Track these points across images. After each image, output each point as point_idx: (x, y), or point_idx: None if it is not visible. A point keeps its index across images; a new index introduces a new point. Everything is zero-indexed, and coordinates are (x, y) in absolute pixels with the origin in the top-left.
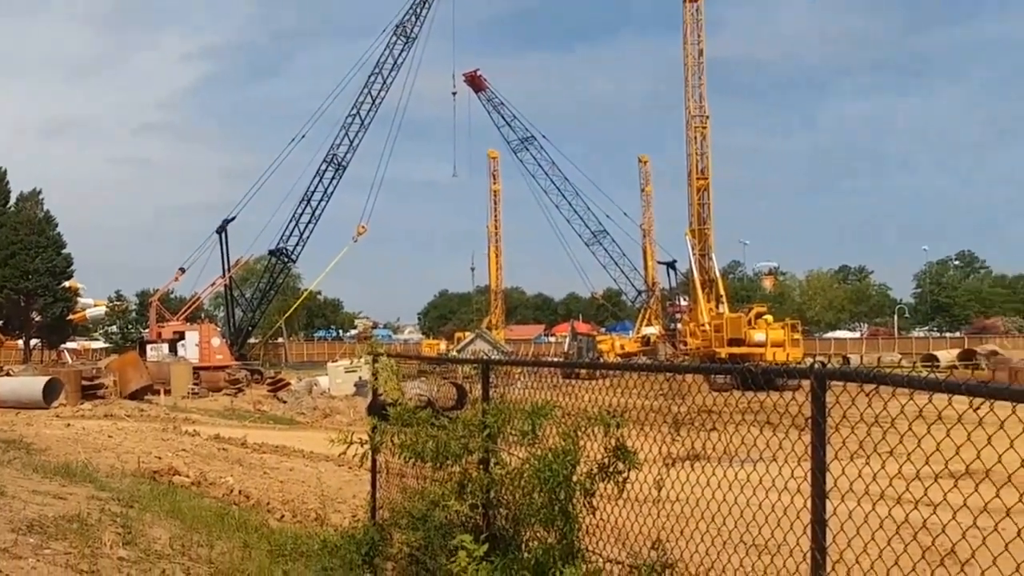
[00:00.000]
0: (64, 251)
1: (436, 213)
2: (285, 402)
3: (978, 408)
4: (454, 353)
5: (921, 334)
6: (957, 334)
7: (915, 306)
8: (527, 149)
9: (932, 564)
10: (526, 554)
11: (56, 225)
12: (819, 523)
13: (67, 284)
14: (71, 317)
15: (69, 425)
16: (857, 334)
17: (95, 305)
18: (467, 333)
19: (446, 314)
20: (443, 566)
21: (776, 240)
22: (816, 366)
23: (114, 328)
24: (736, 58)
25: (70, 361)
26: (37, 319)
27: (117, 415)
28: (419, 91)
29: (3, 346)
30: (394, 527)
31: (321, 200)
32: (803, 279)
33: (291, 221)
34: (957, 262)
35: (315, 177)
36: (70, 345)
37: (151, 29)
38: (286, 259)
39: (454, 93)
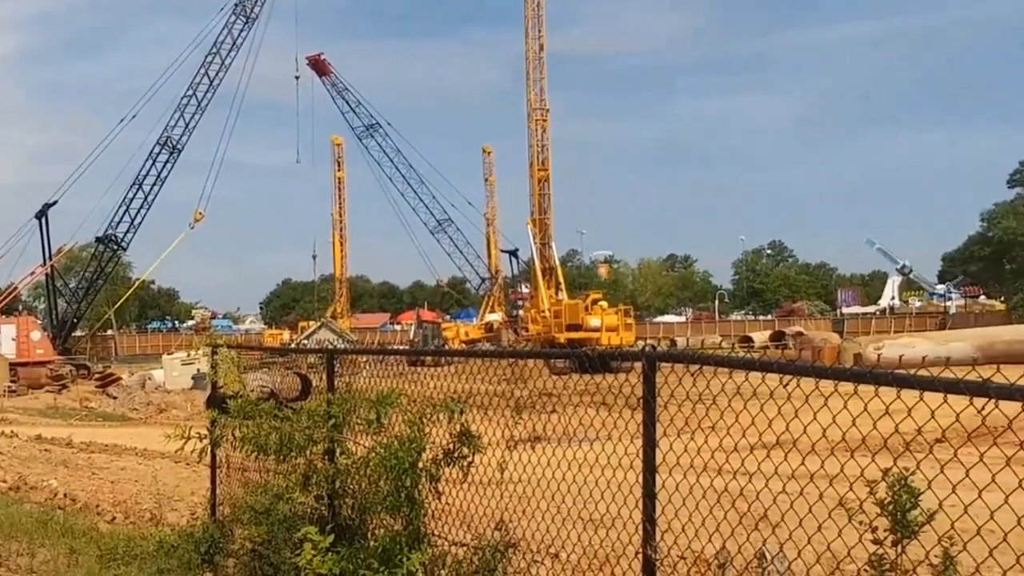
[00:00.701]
0: None
1: (279, 200)
2: (115, 398)
3: (787, 384)
4: (300, 343)
5: (738, 317)
6: (768, 317)
7: (733, 292)
8: (372, 136)
9: (748, 528)
10: (372, 542)
11: None
12: (649, 496)
13: None
14: None
15: None
16: (683, 318)
17: None
18: (311, 322)
19: (289, 303)
20: (287, 559)
21: (611, 230)
22: (647, 349)
23: None
24: (579, 52)
25: None
26: None
27: None
28: (262, 73)
29: None
30: (236, 523)
31: (154, 184)
32: (635, 267)
33: (121, 206)
34: (769, 251)
35: (147, 160)
36: None
37: None
38: (115, 246)
39: (296, 77)
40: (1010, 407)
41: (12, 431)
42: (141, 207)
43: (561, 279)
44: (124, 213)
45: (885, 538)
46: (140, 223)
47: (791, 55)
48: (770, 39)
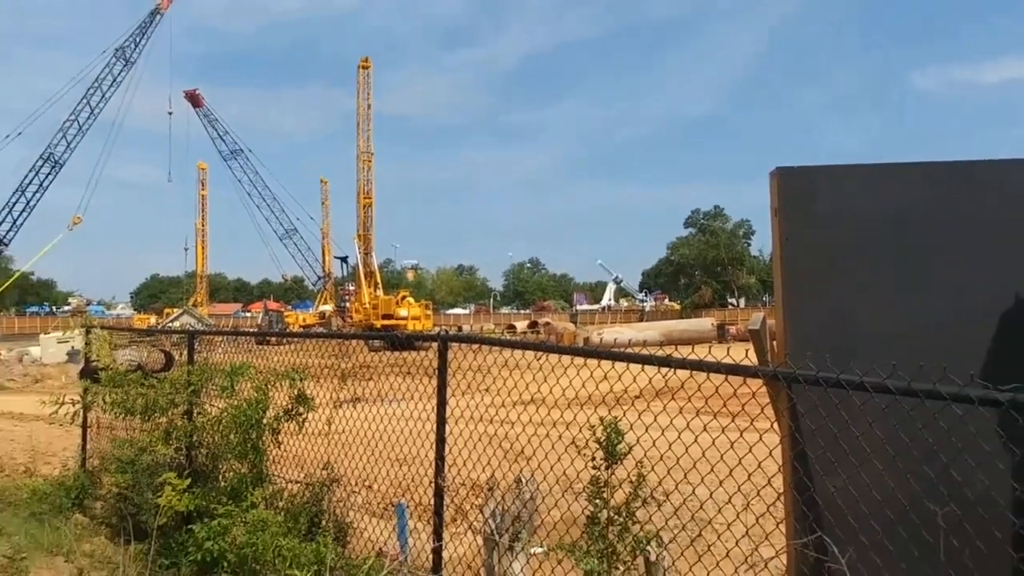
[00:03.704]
0: None
1: (154, 208)
2: None
3: (540, 359)
4: (164, 326)
5: (506, 311)
6: (527, 311)
7: (503, 292)
8: (236, 159)
9: (510, 461)
10: (223, 483)
11: None
12: (440, 440)
13: None
14: None
15: None
16: (467, 311)
17: None
18: (175, 309)
19: (156, 293)
20: (149, 500)
21: (417, 244)
22: (441, 333)
23: None
24: (396, 112)
25: None
26: None
27: None
28: (143, 103)
29: None
30: (104, 472)
31: (36, 192)
32: (434, 273)
33: (4, 209)
34: (529, 264)
35: (31, 171)
36: None
37: None
38: None
39: (170, 113)
40: (683, 373)
41: None
42: (24, 211)
43: (378, 280)
44: (7, 215)
45: (600, 465)
46: (22, 224)
47: (550, 124)
48: (536, 113)
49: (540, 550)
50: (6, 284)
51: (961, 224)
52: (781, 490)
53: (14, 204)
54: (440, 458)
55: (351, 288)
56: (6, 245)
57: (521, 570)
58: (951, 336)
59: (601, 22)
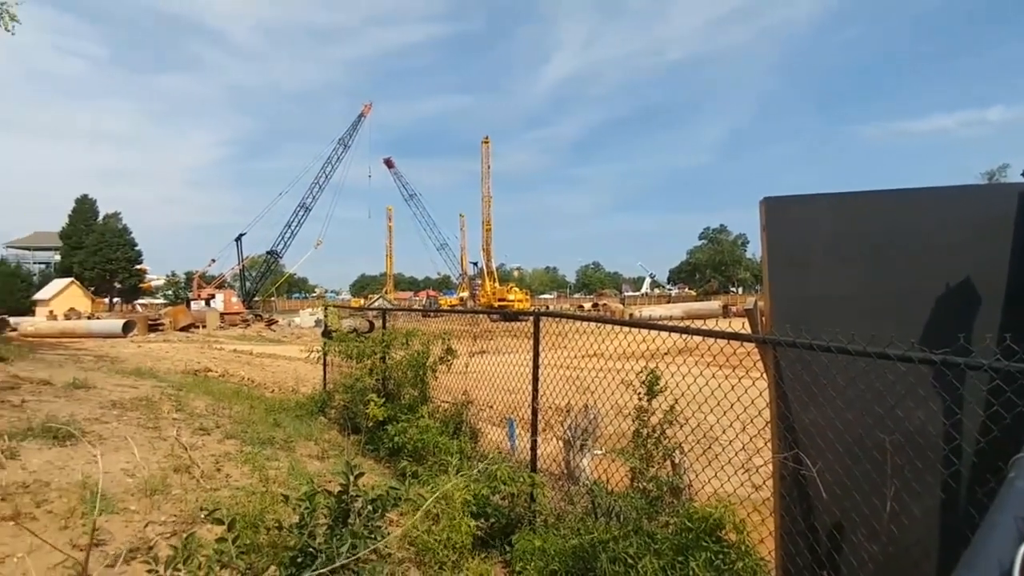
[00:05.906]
0: (136, 247)
1: (361, 234)
2: (275, 331)
3: (600, 327)
4: (368, 305)
5: (577, 296)
6: (592, 296)
7: (576, 283)
8: (412, 200)
9: (580, 392)
10: (403, 401)
11: (131, 232)
12: (535, 379)
13: (138, 267)
14: (141, 285)
15: (140, 347)
16: (552, 296)
17: (157, 279)
18: (374, 295)
19: (364, 285)
20: (361, 410)
21: (521, 253)
22: (536, 311)
23: (169, 292)
24: (505, 168)
25: (140, 311)
26: (118, 287)
27: (171, 340)
28: (353, 169)
29: (95, 302)
30: (335, 392)
31: (297, 225)
32: (531, 271)
33: (279, 236)
34: (592, 265)
35: (293, 213)
36: (142, 301)
37: (186, 125)
38: (277, 256)
39: (369, 176)
40: (698, 338)
41: (221, 347)
42: (290, 236)
43: (496, 276)
44: (280, 240)
45: (643, 398)
46: (290, 243)
47: (596, 174)
48: (585, 168)
49: (600, 452)
50: (280, 281)
51: (890, 233)
52: (768, 419)
53: (285, 233)
54: (535, 390)
55: (479, 282)
56: (280, 256)
57: (587, 465)
58: (888, 313)
59: (628, 106)
